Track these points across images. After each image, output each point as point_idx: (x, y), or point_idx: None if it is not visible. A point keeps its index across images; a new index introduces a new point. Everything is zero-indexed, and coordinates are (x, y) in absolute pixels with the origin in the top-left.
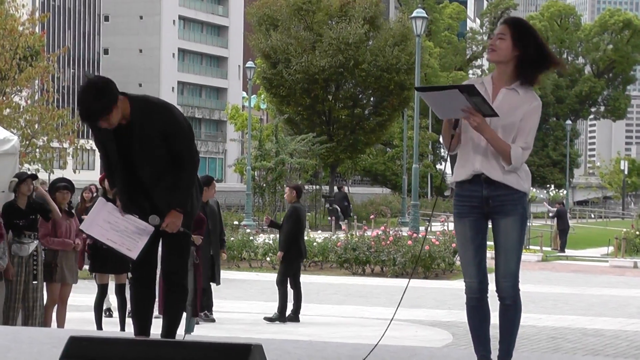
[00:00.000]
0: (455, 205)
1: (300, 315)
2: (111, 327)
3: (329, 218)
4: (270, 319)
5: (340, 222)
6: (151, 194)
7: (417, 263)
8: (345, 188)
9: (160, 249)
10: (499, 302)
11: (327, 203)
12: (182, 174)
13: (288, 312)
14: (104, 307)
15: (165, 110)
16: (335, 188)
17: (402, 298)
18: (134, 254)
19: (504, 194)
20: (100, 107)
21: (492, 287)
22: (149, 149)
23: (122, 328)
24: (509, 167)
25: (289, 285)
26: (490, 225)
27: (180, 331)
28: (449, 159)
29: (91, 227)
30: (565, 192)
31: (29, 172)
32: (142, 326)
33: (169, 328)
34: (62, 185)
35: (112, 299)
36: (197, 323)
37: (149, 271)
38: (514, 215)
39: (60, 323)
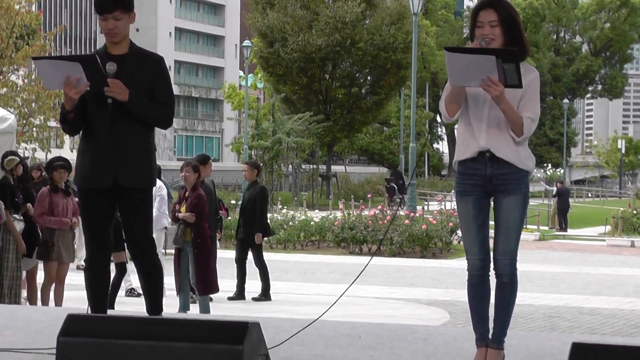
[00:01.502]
0: (457, 183)
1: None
2: (130, 307)
3: (386, 195)
4: (258, 299)
5: (398, 198)
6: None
7: (382, 241)
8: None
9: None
10: (495, 280)
11: (386, 181)
12: (158, 105)
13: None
14: (128, 287)
15: (159, 61)
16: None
17: (360, 273)
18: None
19: (508, 172)
20: None
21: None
22: (133, 89)
23: (112, 306)
24: (520, 139)
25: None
26: (492, 203)
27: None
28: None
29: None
30: (562, 171)
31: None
32: (99, 306)
33: (152, 307)
34: (59, 164)
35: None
36: (194, 302)
37: (104, 250)
38: (517, 194)
39: (58, 302)
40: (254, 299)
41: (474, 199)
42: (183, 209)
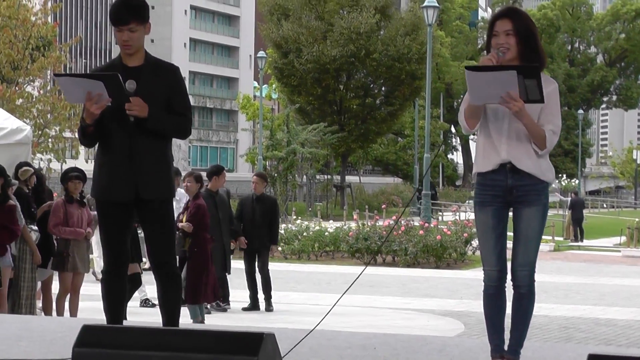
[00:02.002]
0: (477, 194)
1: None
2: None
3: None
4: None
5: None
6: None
7: (379, 250)
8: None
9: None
10: (513, 291)
11: (417, 192)
12: (177, 117)
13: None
14: (142, 297)
15: (175, 72)
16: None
17: (353, 283)
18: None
19: (528, 184)
20: (139, 1)
21: (508, 275)
22: (150, 101)
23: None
24: (543, 152)
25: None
26: (510, 214)
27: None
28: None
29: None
30: (577, 181)
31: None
32: (115, 317)
33: (169, 319)
34: (74, 175)
35: (148, 289)
36: (209, 312)
37: (121, 262)
38: (537, 205)
39: (73, 312)
40: (244, 309)
41: (494, 209)
42: (184, 218)
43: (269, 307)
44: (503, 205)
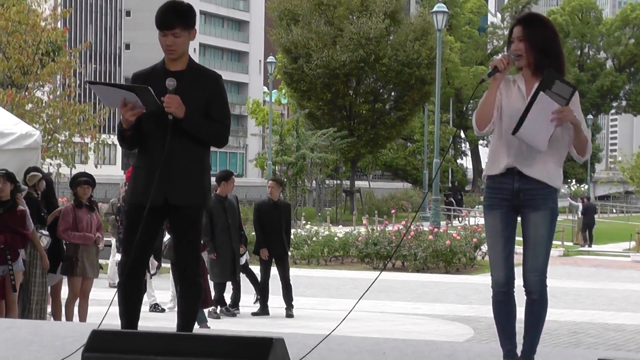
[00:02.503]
0: (486, 197)
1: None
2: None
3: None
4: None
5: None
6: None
7: (393, 255)
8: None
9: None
10: (525, 297)
11: (445, 196)
12: (213, 123)
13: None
14: (152, 302)
15: (217, 79)
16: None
17: (368, 288)
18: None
19: (535, 188)
20: (186, 7)
21: (519, 281)
22: (188, 106)
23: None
24: (584, 159)
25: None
26: (519, 220)
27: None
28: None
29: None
30: (586, 186)
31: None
32: (130, 322)
33: (184, 325)
34: (83, 180)
35: (157, 294)
36: (219, 317)
37: (142, 267)
38: (545, 210)
39: (82, 317)
40: (254, 314)
41: (502, 212)
42: None
43: (289, 313)
44: (511, 209)
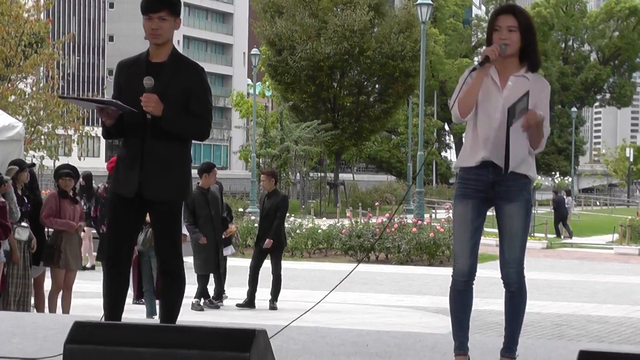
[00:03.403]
0: (458, 187)
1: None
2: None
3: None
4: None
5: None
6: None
7: (373, 247)
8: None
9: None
10: (504, 289)
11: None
12: (193, 119)
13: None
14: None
15: (200, 72)
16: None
17: (342, 280)
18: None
19: (509, 180)
20: None
21: (498, 274)
22: (167, 100)
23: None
24: (537, 151)
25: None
26: (491, 212)
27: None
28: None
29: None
30: (570, 179)
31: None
32: (113, 313)
33: (167, 318)
34: (65, 172)
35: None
36: (202, 309)
37: (124, 258)
38: (519, 201)
39: (66, 309)
40: (239, 305)
41: (474, 202)
42: None
43: (273, 305)
44: (484, 201)
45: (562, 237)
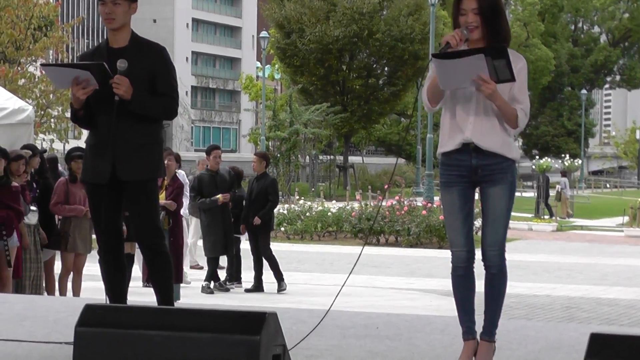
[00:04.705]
0: (442, 174)
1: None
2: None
3: None
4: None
5: None
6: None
7: (372, 229)
8: None
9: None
10: (484, 272)
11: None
12: (160, 99)
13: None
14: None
15: (161, 52)
16: None
17: (355, 264)
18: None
19: (493, 163)
20: None
21: (478, 256)
22: (133, 83)
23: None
24: (515, 131)
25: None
26: (477, 195)
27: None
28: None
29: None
30: (580, 162)
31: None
32: (116, 297)
33: (163, 298)
34: (77, 155)
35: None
36: (212, 292)
37: (114, 242)
38: (503, 184)
39: (76, 292)
40: (247, 290)
41: (459, 189)
42: (162, 196)
43: (280, 289)
44: (469, 186)
45: (542, 217)
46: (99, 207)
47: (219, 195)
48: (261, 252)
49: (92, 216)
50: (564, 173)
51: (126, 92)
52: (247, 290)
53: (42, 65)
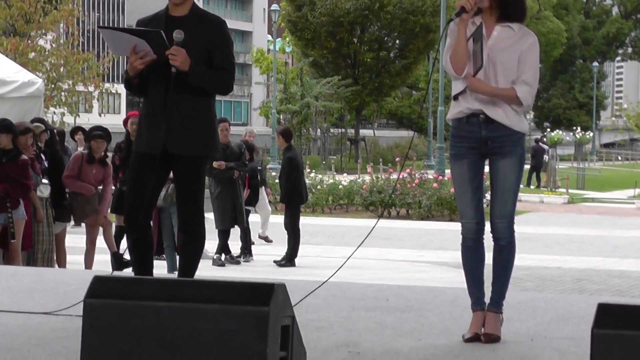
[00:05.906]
0: (452, 146)
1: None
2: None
3: None
4: (280, 264)
5: None
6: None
7: (388, 203)
8: None
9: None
10: (493, 243)
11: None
12: (217, 73)
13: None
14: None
15: (221, 25)
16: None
17: (367, 236)
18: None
19: (503, 135)
20: None
21: (488, 228)
22: (190, 54)
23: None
24: (522, 109)
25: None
26: (487, 166)
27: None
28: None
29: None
30: (591, 134)
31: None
32: (142, 270)
33: (185, 274)
34: (98, 134)
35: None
36: (223, 265)
37: (143, 214)
38: (513, 156)
39: (88, 265)
40: (276, 262)
41: (469, 161)
42: None
43: (279, 262)
44: (478, 157)
45: (531, 186)
46: (144, 178)
47: (215, 163)
48: (286, 224)
49: (131, 185)
50: (538, 141)
51: (183, 63)
52: (276, 262)
53: (99, 27)
